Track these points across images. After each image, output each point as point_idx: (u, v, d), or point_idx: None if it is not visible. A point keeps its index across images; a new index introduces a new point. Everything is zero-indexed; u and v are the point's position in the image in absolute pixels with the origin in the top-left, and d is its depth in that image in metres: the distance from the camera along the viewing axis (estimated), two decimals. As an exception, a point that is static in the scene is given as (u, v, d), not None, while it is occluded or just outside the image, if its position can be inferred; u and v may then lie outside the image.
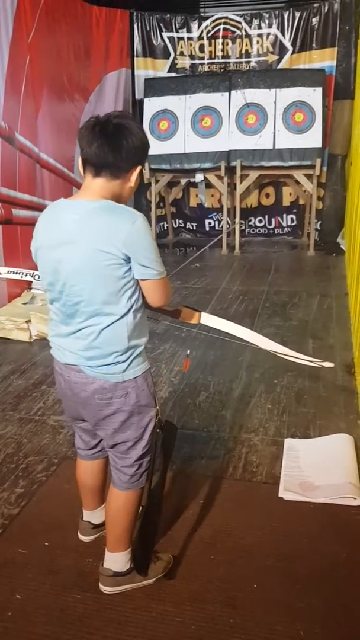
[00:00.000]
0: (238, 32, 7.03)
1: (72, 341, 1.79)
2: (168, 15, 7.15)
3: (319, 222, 7.24)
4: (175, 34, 7.20)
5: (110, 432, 1.88)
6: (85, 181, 1.75)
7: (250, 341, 2.39)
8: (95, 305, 1.72)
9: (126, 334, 1.76)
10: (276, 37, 6.96)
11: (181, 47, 7.23)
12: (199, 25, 7.13)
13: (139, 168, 1.75)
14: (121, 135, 1.68)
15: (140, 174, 1.79)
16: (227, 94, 6.81)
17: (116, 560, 1.99)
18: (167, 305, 1.90)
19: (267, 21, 6.94)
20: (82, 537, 2.24)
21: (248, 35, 7.03)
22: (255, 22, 6.96)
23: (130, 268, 1.69)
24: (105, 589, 2.00)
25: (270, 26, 6.93)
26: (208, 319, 2.22)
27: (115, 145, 1.67)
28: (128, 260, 1.67)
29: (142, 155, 1.76)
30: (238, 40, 7.07)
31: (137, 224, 1.66)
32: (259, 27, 6.97)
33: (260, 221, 7.64)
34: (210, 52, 7.18)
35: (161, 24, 7.18)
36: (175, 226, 7.84)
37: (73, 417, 2.01)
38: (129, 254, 1.66)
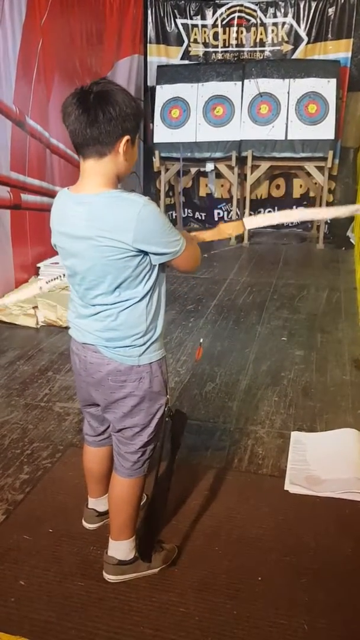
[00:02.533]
0: (253, 20, 6.95)
1: (91, 322, 1.79)
2: (182, 2, 7.07)
3: (329, 215, 7.19)
4: (189, 21, 7.12)
5: (119, 416, 1.87)
6: (80, 165, 1.68)
7: (298, 219, 2.35)
8: (114, 294, 1.71)
9: (144, 316, 1.74)
10: (291, 26, 6.88)
11: (195, 34, 7.15)
12: (214, 13, 7.05)
13: (125, 138, 1.61)
14: (99, 104, 1.55)
15: (133, 144, 1.66)
16: (240, 83, 6.74)
17: (120, 548, 1.98)
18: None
19: (282, 10, 6.86)
20: (86, 525, 2.24)
21: (263, 24, 6.95)
22: (271, 10, 6.88)
23: (144, 255, 1.66)
24: (109, 577, 1.99)
25: (285, 15, 6.85)
26: (251, 222, 2.15)
27: (92, 116, 1.55)
28: (140, 251, 1.64)
29: (127, 124, 1.60)
30: (253, 29, 6.99)
31: (142, 215, 1.58)
32: (275, 15, 6.89)
33: (269, 212, 7.59)
34: (224, 40, 7.11)
35: (175, 11, 7.10)
36: (184, 215, 7.79)
37: (84, 400, 2.00)
38: (141, 248, 1.62)
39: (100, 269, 1.66)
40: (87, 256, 1.66)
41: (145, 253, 1.66)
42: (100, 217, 1.61)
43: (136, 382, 1.80)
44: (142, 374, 1.80)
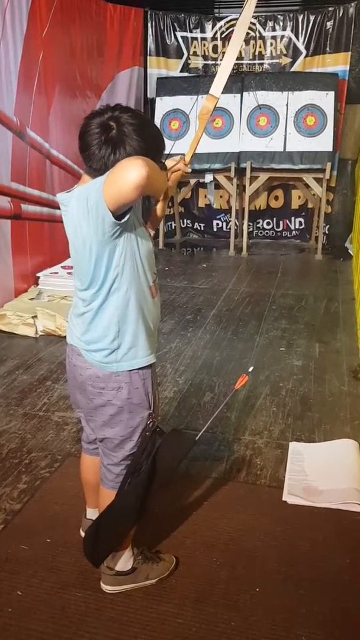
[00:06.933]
0: (252, 33, 7.01)
1: (77, 324, 1.82)
2: (182, 15, 7.14)
3: (327, 226, 7.22)
4: (189, 34, 7.19)
5: (99, 424, 1.86)
6: (83, 173, 1.72)
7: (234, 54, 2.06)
8: (89, 290, 1.72)
9: (116, 318, 1.72)
10: (290, 39, 6.94)
11: (194, 47, 7.22)
12: (213, 26, 7.11)
13: None
14: (119, 145, 1.57)
15: None
16: (239, 95, 6.79)
17: (116, 559, 1.98)
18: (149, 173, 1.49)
19: (281, 23, 6.92)
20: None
21: (262, 37, 7.01)
22: (270, 24, 6.94)
23: (110, 250, 1.63)
24: (106, 587, 1.99)
25: (284, 29, 6.91)
26: (216, 89, 1.97)
27: (103, 152, 1.57)
28: (110, 236, 1.60)
29: None
30: (252, 42, 7.05)
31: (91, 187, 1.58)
32: (273, 29, 6.96)
33: (268, 223, 7.62)
34: (224, 53, 7.16)
35: (175, 24, 7.17)
36: (183, 226, 7.83)
37: (74, 403, 2.00)
38: (101, 211, 1.54)
39: (79, 263, 1.71)
40: (73, 252, 1.73)
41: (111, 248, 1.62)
42: (75, 215, 1.65)
43: (114, 391, 1.78)
44: (121, 383, 1.78)
